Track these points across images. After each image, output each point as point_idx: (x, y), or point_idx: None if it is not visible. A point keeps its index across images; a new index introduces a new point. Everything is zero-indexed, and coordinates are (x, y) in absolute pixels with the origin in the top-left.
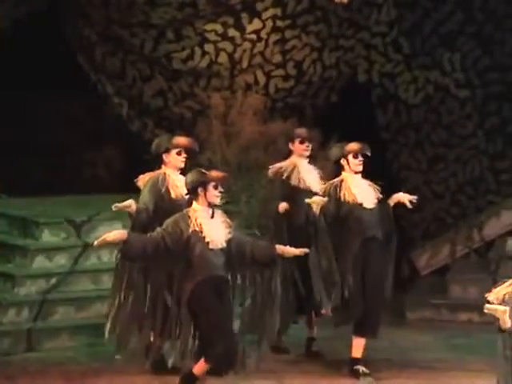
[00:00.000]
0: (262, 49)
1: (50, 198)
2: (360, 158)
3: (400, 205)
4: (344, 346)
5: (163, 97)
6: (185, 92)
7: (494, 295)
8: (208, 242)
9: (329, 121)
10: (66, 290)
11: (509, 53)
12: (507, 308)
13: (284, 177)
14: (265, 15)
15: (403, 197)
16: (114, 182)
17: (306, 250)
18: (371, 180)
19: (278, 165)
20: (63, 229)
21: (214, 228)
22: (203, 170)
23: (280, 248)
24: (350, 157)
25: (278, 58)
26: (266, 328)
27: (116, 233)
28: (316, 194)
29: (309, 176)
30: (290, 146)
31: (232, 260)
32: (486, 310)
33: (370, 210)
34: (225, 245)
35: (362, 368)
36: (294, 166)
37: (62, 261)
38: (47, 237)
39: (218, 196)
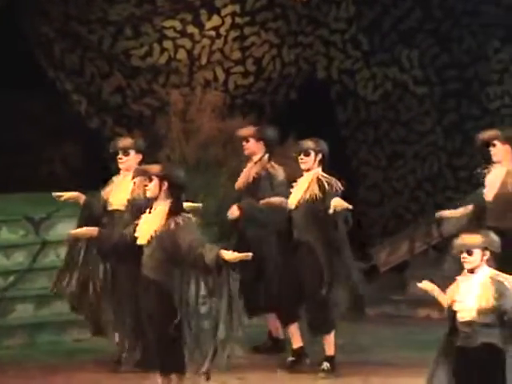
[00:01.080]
0: (221, 45)
1: (7, 195)
2: (302, 156)
3: (359, 202)
4: None
5: (122, 94)
6: (144, 89)
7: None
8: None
9: (288, 118)
10: (24, 288)
11: (467, 50)
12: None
13: None
14: (224, 12)
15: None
16: (71, 179)
17: (249, 254)
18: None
19: None
20: (21, 226)
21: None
22: (143, 167)
23: (223, 253)
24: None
25: (237, 55)
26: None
27: (87, 229)
28: None
29: None
30: None
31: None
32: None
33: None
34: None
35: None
36: None
37: (20, 258)
38: (5, 234)
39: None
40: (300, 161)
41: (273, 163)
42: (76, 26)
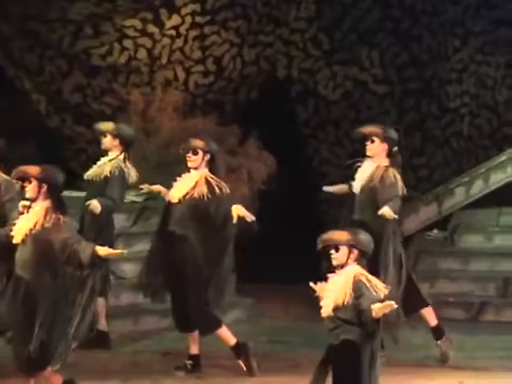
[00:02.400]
0: (181, 45)
1: None
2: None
3: (320, 201)
4: None
5: (82, 93)
6: (104, 88)
7: None
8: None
9: (249, 117)
10: None
11: (426, 49)
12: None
13: None
14: (184, 11)
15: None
16: None
17: (124, 251)
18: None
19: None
20: None
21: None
22: None
23: (98, 249)
24: None
25: (197, 54)
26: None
27: None
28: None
29: None
30: None
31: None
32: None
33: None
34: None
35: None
36: None
37: None
38: None
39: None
40: (188, 159)
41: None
42: (35, 24)
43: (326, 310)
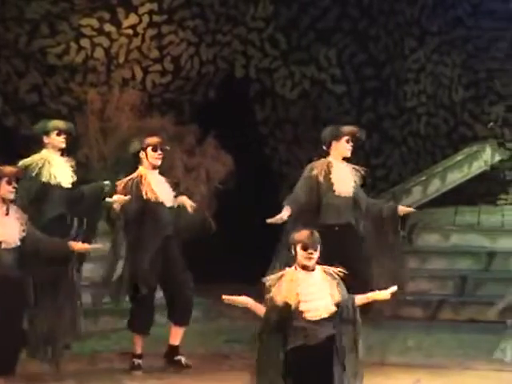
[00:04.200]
0: (138, 44)
1: None
2: (159, 152)
3: (279, 202)
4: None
5: (39, 92)
6: (61, 87)
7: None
8: (0, 242)
9: (207, 116)
10: None
11: (384, 49)
12: (246, 300)
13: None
14: (141, 10)
15: (186, 201)
16: None
17: (99, 245)
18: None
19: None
20: None
21: (7, 226)
22: None
23: (72, 244)
24: (150, 150)
25: (154, 53)
26: (66, 327)
27: None
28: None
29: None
30: (141, 155)
31: (26, 258)
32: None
33: (169, 208)
34: (19, 243)
35: (182, 358)
36: (141, 177)
37: None
38: None
39: (11, 191)
40: (158, 156)
41: None
42: None
43: (323, 312)
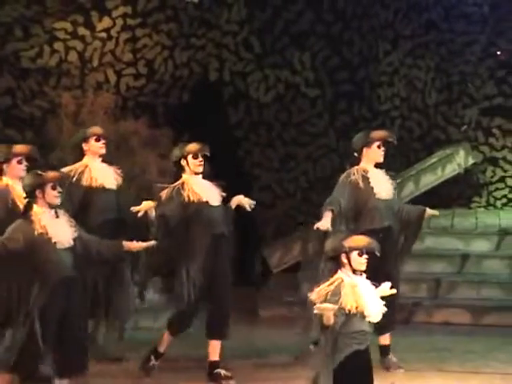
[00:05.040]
0: (112, 47)
1: None
2: (200, 159)
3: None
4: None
5: (12, 95)
6: (34, 91)
7: (316, 294)
8: (55, 243)
9: (181, 119)
10: None
11: (357, 52)
12: (335, 306)
13: (74, 179)
14: (115, 13)
15: (244, 200)
16: None
17: (153, 242)
18: (211, 180)
19: (67, 168)
20: None
21: (59, 228)
22: (39, 172)
23: (127, 244)
24: (190, 157)
25: (128, 57)
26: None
27: None
28: (109, 191)
29: (103, 174)
30: (85, 145)
31: (79, 259)
32: (316, 311)
33: (216, 207)
34: (72, 243)
35: (222, 371)
36: (86, 167)
37: None
38: None
39: (57, 196)
40: (198, 163)
41: None
42: None
43: (379, 315)
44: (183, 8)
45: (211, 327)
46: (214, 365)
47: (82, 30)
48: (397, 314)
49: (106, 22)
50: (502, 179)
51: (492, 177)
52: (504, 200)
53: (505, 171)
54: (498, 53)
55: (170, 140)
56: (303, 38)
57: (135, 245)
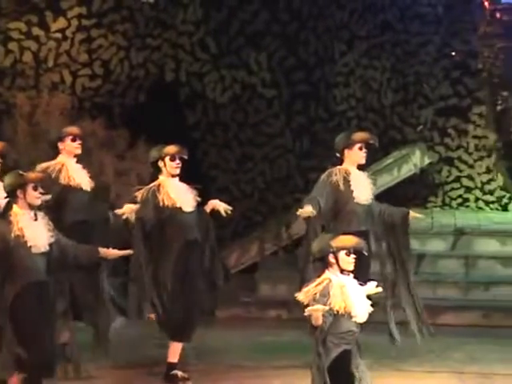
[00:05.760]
0: (67, 48)
1: None
2: (177, 161)
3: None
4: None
5: None
6: None
7: (303, 295)
8: (30, 247)
9: (137, 120)
10: None
11: (313, 53)
12: (326, 307)
13: (53, 176)
14: (70, 14)
15: (219, 205)
16: None
17: (130, 251)
18: (187, 183)
19: (44, 164)
20: None
21: (36, 231)
22: (21, 172)
23: (103, 251)
24: (167, 159)
25: (84, 57)
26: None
27: None
28: (84, 192)
29: (79, 175)
30: (60, 145)
31: (54, 263)
32: (307, 312)
33: (190, 213)
34: (48, 248)
35: (179, 372)
36: (63, 165)
37: None
38: None
39: (38, 197)
40: (176, 165)
41: None
42: None
43: (367, 315)
44: (139, 8)
45: (176, 329)
46: (172, 366)
47: (36, 31)
48: None
49: (61, 22)
50: (458, 179)
51: (447, 177)
52: (459, 200)
53: (460, 171)
54: (453, 53)
55: (127, 141)
56: (259, 38)
57: (111, 252)
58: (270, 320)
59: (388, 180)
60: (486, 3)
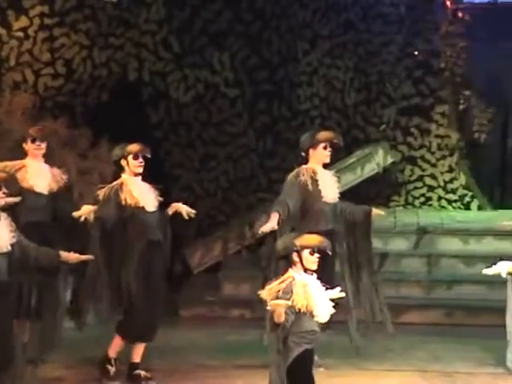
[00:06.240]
0: (29, 47)
1: None
2: (140, 160)
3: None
4: None
5: None
6: None
7: (266, 292)
8: None
9: (100, 119)
10: None
11: (276, 52)
12: (288, 302)
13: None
14: (32, 13)
15: (182, 207)
16: None
17: (90, 256)
18: (150, 183)
19: (2, 164)
20: None
21: None
22: None
23: (64, 254)
24: (130, 158)
25: (46, 56)
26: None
27: None
28: (40, 194)
29: (37, 177)
30: (25, 146)
31: (15, 264)
32: (269, 307)
33: (152, 213)
34: (10, 249)
35: (142, 372)
36: (23, 166)
37: None
38: None
39: (2, 197)
40: (139, 164)
41: None
42: None
43: (330, 313)
44: (101, 7)
45: (138, 330)
46: (135, 366)
47: None
48: None
49: (23, 21)
50: (421, 178)
51: (410, 176)
52: (422, 199)
53: (423, 170)
54: (416, 53)
55: (89, 140)
56: (222, 37)
57: (72, 256)
58: (233, 319)
59: (351, 179)
60: (448, 3)
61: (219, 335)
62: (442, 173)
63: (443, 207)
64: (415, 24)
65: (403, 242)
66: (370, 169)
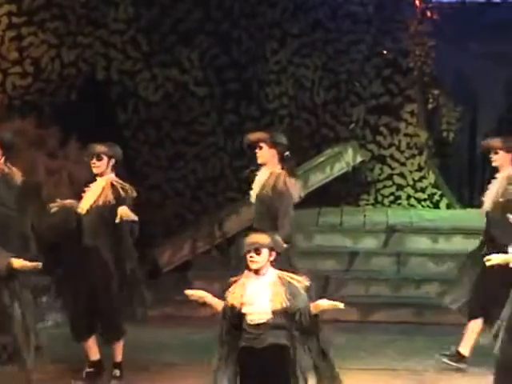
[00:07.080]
0: None
1: None
2: (93, 161)
3: (141, 203)
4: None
5: None
6: None
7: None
8: None
9: (69, 119)
10: None
11: (245, 51)
12: (205, 294)
13: None
14: (0, 11)
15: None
16: None
17: (39, 263)
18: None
19: None
20: None
21: None
22: None
23: (12, 261)
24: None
25: (14, 55)
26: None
27: None
28: None
29: None
30: None
31: None
32: (188, 294)
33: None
34: None
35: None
36: None
37: None
38: None
39: None
40: (92, 165)
41: (9, 165)
42: None
43: (263, 316)
44: (70, 6)
45: (109, 332)
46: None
47: None
48: None
49: None
50: (390, 177)
51: (380, 175)
52: (391, 198)
53: (392, 169)
54: (384, 52)
55: (58, 140)
56: (191, 36)
57: (21, 263)
58: (202, 319)
59: (320, 178)
60: (417, 2)
61: (188, 334)
62: (411, 172)
63: (412, 206)
64: (384, 23)
65: (372, 241)
66: (340, 168)
